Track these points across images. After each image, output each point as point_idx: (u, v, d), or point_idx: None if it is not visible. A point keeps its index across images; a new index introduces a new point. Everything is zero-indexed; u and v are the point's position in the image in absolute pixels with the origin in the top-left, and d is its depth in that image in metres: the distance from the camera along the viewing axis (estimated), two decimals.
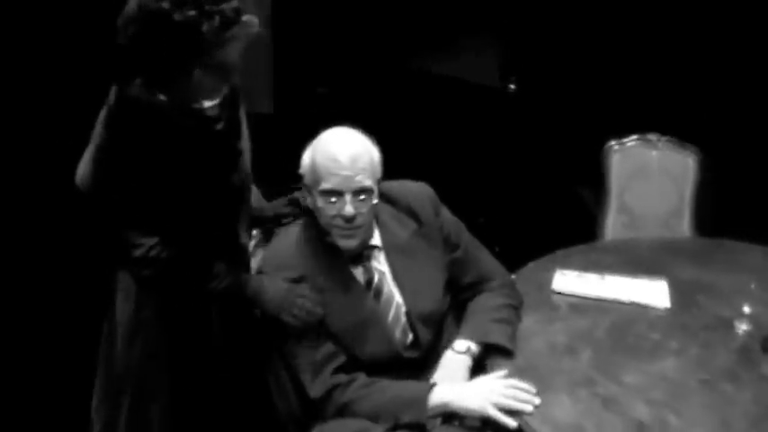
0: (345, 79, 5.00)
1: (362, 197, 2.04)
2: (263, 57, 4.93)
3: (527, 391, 1.94)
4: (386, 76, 4.93)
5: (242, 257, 2.16)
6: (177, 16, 1.76)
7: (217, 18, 1.79)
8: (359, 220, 2.04)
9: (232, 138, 2.09)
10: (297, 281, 2.06)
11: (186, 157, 1.95)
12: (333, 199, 2.03)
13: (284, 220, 2.30)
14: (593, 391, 1.98)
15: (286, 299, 2.03)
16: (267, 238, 2.29)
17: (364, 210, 2.05)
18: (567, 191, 4.30)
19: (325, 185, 2.02)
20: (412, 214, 2.21)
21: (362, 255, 2.14)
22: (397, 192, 2.21)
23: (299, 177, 2.13)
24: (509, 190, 4.47)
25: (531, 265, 2.63)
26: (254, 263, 2.22)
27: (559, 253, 2.74)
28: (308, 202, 2.12)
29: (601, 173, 3.29)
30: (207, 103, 2.03)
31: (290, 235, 2.18)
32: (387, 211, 2.19)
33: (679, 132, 3.25)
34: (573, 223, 3.65)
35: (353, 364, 2.07)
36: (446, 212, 2.28)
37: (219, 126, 2.04)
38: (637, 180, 3.25)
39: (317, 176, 2.04)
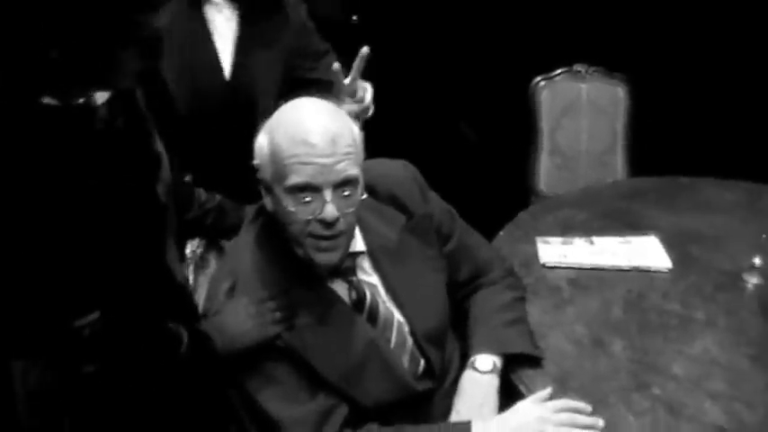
0: None
1: (347, 192, 1.51)
2: None
3: (584, 412, 1.58)
4: None
5: (187, 298, 1.59)
6: None
7: None
8: (342, 224, 1.52)
9: (143, 137, 1.49)
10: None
11: (94, 172, 1.32)
12: (306, 197, 1.48)
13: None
14: (651, 395, 1.67)
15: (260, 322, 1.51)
16: (205, 258, 1.72)
17: (350, 209, 1.52)
18: (451, 129, 3.91)
19: (295, 180, 1.47)
20: (398, 205, 1.73)
21: (343, 266, 1.63)
22: (375, 176, 1.70)
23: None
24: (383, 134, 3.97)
25: (501, 235, 2.26)
26: (201, 291, 1.66)
27: (523, 215, 2.40)
28: (269, 203, 1.57)
29: (528, 113, 2.95)
30: (99, 97, 1.40)
31: (242, 253, 1.62)
32: (367, 205, 1.67)
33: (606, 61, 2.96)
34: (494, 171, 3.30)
35: (357, 414, 1.59)
36: (434, 196, 1.82)
37: (119, 123, 1.43)
38: (567, 117, 2.95)
39: (280, 168, 1.48)
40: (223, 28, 2.02)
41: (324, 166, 1.46)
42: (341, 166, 1.48)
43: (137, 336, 1.38)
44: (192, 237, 1.77)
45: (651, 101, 3.05)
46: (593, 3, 3.21)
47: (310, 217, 1.49)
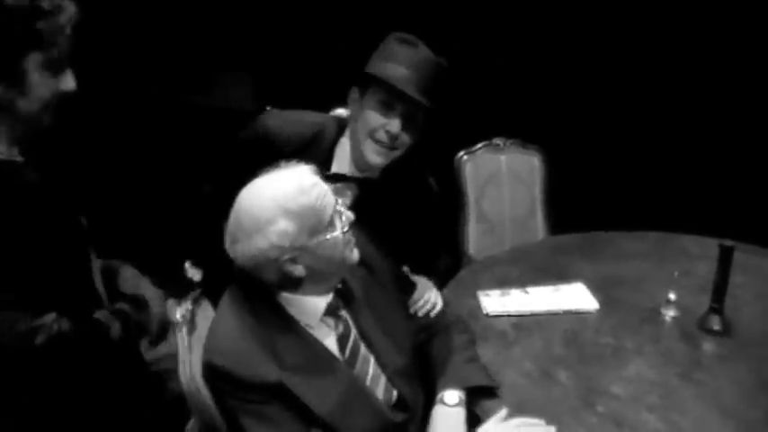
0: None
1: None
2: None
3: (540, 425, 1.79)
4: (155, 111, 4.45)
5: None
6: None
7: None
8: None
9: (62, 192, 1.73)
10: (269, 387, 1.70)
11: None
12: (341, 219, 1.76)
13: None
14: (597, 412, 1.88)
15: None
16: (194, 321, 1.87)
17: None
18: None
19: (330, 211, 1.73)
20: (361, 261, 1.93)
21: (333, 305, 1.82)
22: None
23: None
24: None
25: (446, 291, 2.46)
26: (194, 353, 1.79)
27: (463, 273, 2.63)
28: (301, 269, 1.71)
29: (454, 184, 3.22)
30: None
31: (229, 312, 1.78)
32: None
33: (522, 134, 3.31)
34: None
35: None
36: (388, 254, 2.03)
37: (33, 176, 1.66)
38: (490, 186, 3.24)
39: (317, 218, 1.71)
40: None
41: (327, 189, 1.74)
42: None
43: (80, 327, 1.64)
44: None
45: (563, 167, 3.39)
46: (507, 82, 3.58)
47: (347, 226, 1.75)
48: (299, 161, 1.83)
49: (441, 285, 2.33)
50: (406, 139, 2.11)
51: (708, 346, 2.20)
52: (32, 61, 1.53)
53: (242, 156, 2.11)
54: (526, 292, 2.44)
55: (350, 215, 1.77)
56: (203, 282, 2.10)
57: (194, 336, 1.83)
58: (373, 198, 2.17)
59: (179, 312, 1.85)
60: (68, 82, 1.61)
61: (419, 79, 2.06)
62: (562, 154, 3.37)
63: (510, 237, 3.24)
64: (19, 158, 1.65)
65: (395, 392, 1.86)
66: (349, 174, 2.17)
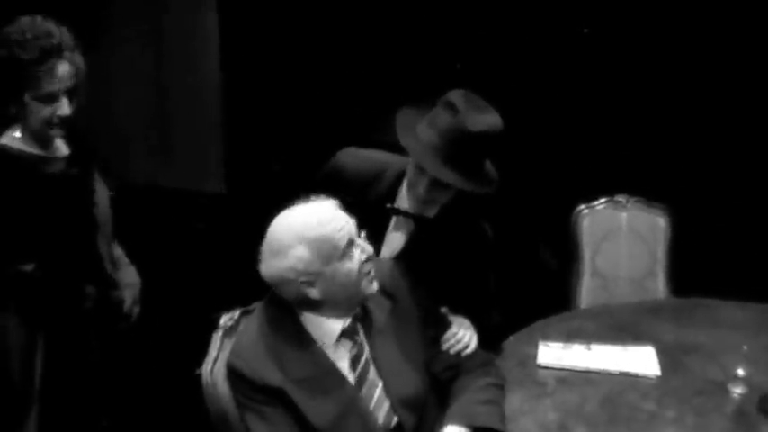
0: (301, 155, 4.87)
1: (362, 234, 2.03)
2: (213, 132, 4.82)
3: None
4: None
5: (107, 278, 2.38)
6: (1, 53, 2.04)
7: (36, 49, 2.03)
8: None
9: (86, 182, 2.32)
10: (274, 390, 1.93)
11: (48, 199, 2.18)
12: (355, 249, 1.95)
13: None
14: None
15: None
16: (234, 328, 2.16)
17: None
18: (530, 255, 4.21)
19: (344, 242, 1.92)
20: (386, 293, 2.10)
21: (349, 327, 2.02)
22: None
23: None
24: None
25: (511, 338, 2.53)
26: (222, 355, 2.08)
27: (539, 323, 2.66)
28: (317, 292, 1.93)
29: (570, 237, 3.23)
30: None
31: (255, 323, 2.04)
32: None
33: (646, 192, 3.24)
34: (540, 289, 3.56)
35: None
36: (420, 288, 2.18)
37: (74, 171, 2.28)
38: (608, 243, 3.20)
39: (330, 249, 1.91)
40: (394, 238, 2.37)
41: (347, 223, 1.95)
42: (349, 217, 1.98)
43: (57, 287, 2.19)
44: None
45: (691, 229, 3.25)
46: (636, 138, 3.51)
47: (363, 258, 1.95)
48: (362, 195, 2.18)
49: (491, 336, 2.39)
50: (440, 199, 2.24)
51: (762, 429, 2.05)
52: (28, 95, 2.09)
53: (317, 188, 2.37)
54: (588, 349, 2.42)
55: (369, 249, 1.97)
56: None
57: (229, 339, 2.12)
58: (425, 235, 2.32)
59: (223, 319, 2.16)
60: (63, 109, 2.11)
61: (444, 148, 2.12)
62: (691, 215, 3.24)
63: (624, 295, 3.15)
64: (41, 152, 2.20)
65: (395, 419, 2.00)
66: (407, 209, 2.33)
